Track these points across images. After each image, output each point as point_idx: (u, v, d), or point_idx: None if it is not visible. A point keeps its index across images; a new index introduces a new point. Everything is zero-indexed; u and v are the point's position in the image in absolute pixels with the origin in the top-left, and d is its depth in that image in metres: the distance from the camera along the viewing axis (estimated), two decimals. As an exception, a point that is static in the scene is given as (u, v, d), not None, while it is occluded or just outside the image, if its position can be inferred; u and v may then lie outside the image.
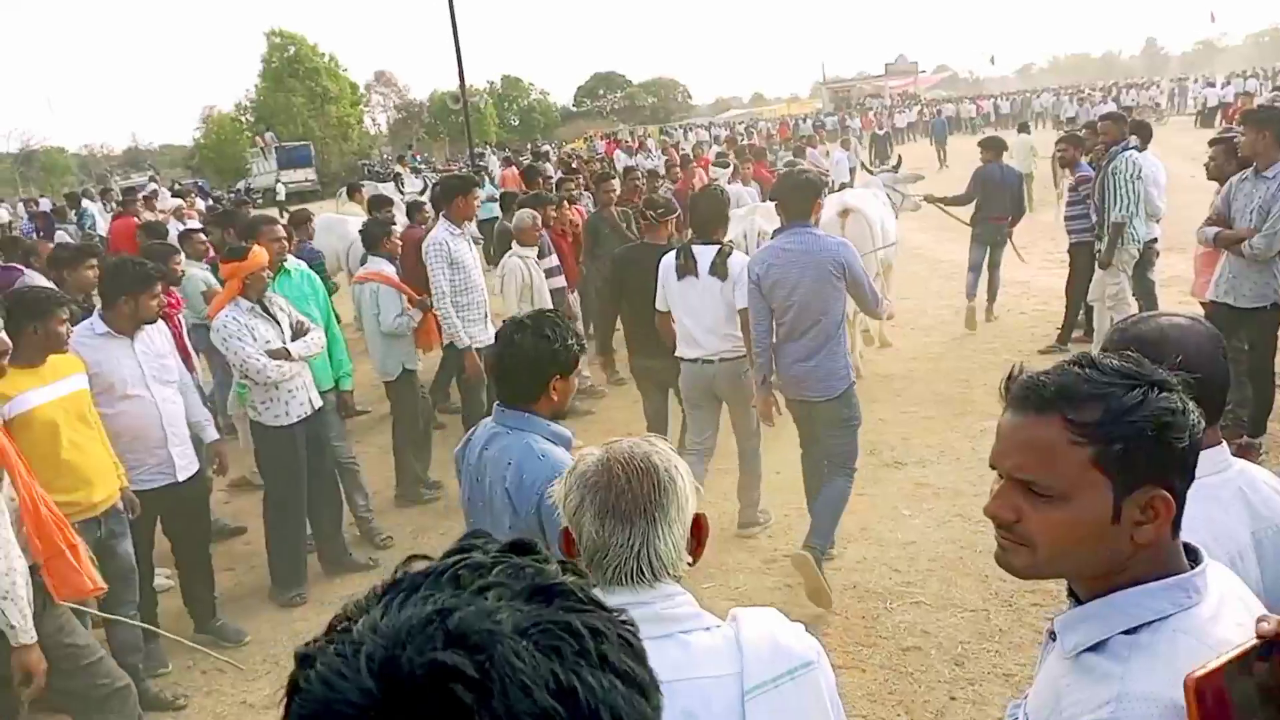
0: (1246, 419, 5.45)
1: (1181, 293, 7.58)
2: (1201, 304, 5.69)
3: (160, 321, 4.40)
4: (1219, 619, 1.17)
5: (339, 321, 7.88)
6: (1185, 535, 1.24)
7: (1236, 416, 5.37)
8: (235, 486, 6.52)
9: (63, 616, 3.27)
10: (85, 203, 17.85)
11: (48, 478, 3.43)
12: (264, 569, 5.15)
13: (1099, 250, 7.03)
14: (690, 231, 5.51)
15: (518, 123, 66.66)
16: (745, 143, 21.00)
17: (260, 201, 32.10)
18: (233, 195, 32.67)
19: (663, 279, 5.00)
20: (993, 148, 9.06)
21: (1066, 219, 8.01)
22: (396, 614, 0.58)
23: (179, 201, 16.05)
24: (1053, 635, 1.32)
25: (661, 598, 1.46)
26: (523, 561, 0.64)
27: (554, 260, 7.34)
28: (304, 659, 0.59)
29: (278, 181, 37.32)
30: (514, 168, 18.88)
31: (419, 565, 0.65)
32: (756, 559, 4.94)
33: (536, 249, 6.72)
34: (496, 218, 9.36)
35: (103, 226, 15.42)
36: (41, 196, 33.01)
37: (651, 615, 1.42)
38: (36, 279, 5.85)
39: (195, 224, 10.55)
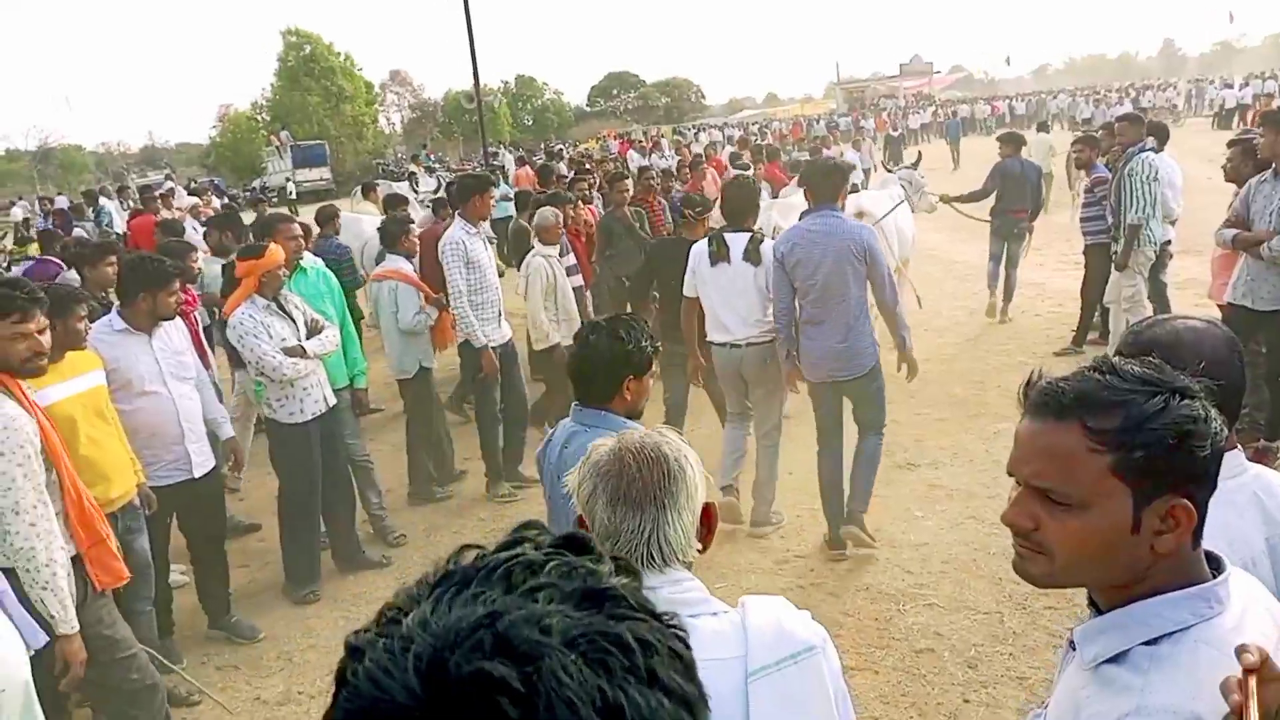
0: (1263, 422, 5.41)
1: (1198, 295, 7.53)
2: (1219, 306, 5.65)
3: (177, 318, 4.43)
4: (1242, 629, 1.15)
5: (361, 318, 7.95)
6: None
7: (1253, 420, 5.33)
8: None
9: (103, 608, 3.31)
10: (103, 200, 17.98)
11: (65, 473, 3.46)
12: (278, 566, 5.18)
13: (1115, 252, 6.99)
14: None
15: (531, 122, 66.77)
16: (759, 142, 20.96)
17: (275, 200, 32.24)
18: (248, 194, 32.86)
19: (693, 265, 5.13)
20: (1012, 142, 9.17)
21: (1082, 220, 7.98)
22: (447, 611, 0.58)
23: (195, 200, 16.15)
24: (1072, 645, 1.30)
25: (670, 583, 1.51)
26: (576, 561, 0.63)
27: (571, 259, 7.36)
28: (354, 650, 0.59)
29: (288, 180, 37.47)
30: (528, 167, 18.94)
31: (471, 556, 0.64)
32: (769, 559, 4.94)
33: (558, 248, 6.75)
34: (511, 217, 9.38)
35: (120, 224, 15.53)
36: (59, 194, 33.23)
37: (662, 600, 1.43)
38: (74, 275, 5.91)
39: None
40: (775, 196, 9.07)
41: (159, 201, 12.91)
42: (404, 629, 0.58)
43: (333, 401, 5.04)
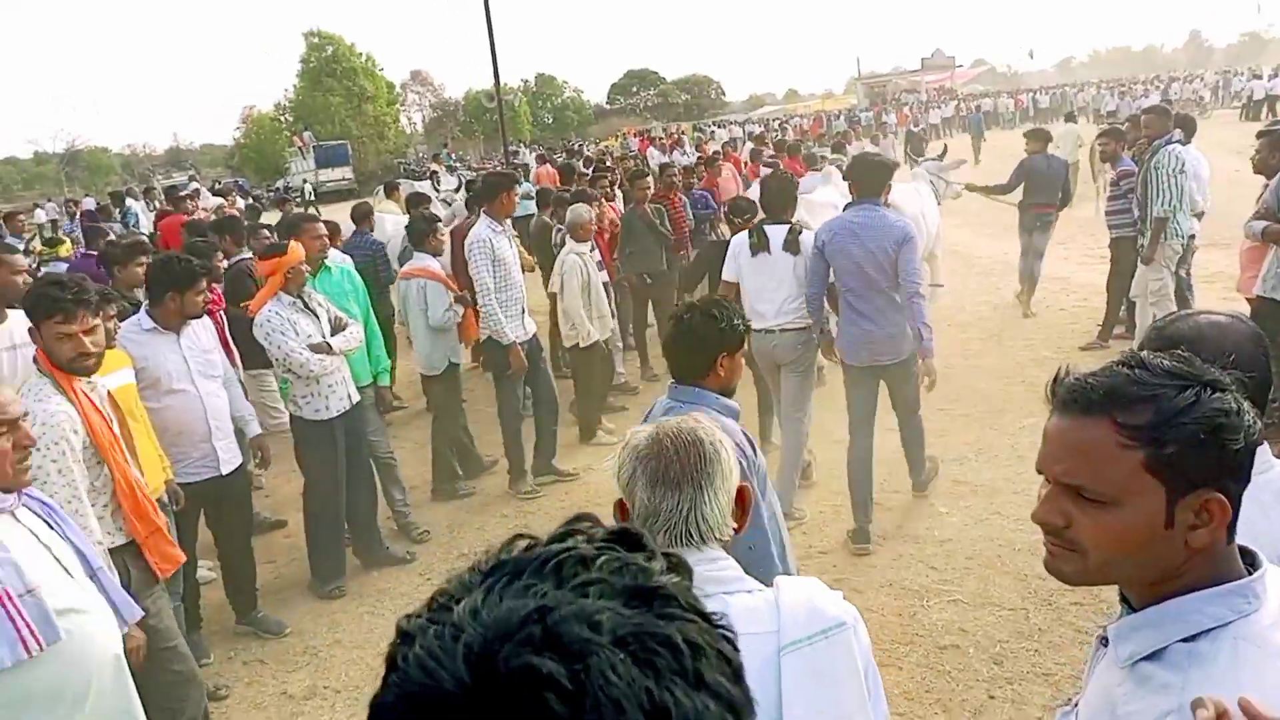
0: (1293, 417, 5.33)
1: (1226, 289, 7.44)
2: (1248, 300, 5.58)
3: (205, 317, 4.48)
4: None
5: (392, 315, 8.00)
6: None
7: (1282, 415, 5.26)
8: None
9: (150, 598, 3.36)
10: (129, 201, 18.18)
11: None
12: (304, 561, 5.23)
13: (1141, 245, 6.92)
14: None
15: (551, 121, 66.91)
16: (779, 138, 20.89)
17: (299, 200, 32.51)
18: (271, 194, 33.13)
19: (734, 253, 5.41)
20: (1038, 139, 9.17)
21: (1108, 214, 7.90)
22: (498, 602, 0.59)
23: (220, 200, 16.29)
24: (1103, 642, 1.29)
25: (706, 560, 1.58)
26: (627, 557, 0.63)
27: (597, 255, 7.40)
28: (405, 635, 0.60)
29: (304, 181, 37.72)
30: (548, 165, 18.97)
31: (523, 546, 0.65)
32: (791, 556, 4.92)
33: (590, 244, 6.79)
34: (532, 215, 9.41)
35: (146, 225, 15.68)
36: (86, 196, 33.64)
37: (700, 576, 1.47)
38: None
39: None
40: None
41: (189, 201, 13.03)
42: (455, 617, 0.59)
43: (357, 399, 5.08)
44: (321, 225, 5.72)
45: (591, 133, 59.16)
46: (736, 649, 0.63)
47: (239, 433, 4.67)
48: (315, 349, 4.79)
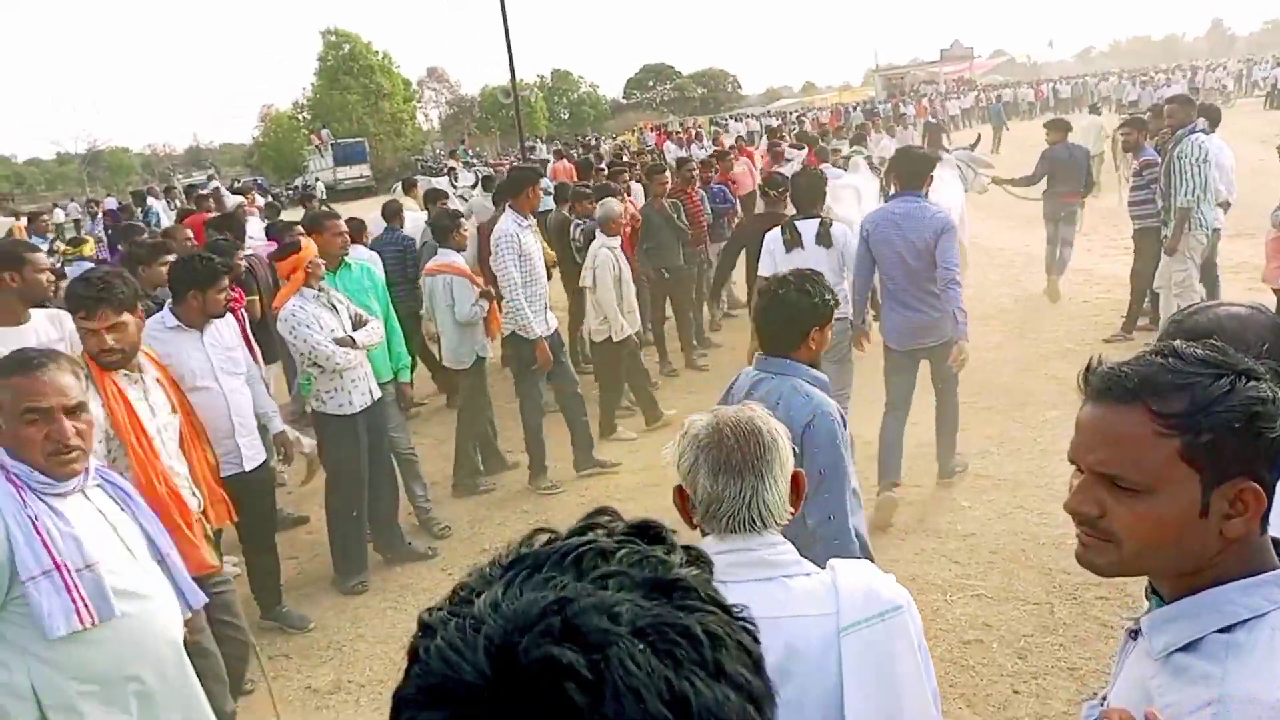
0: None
1: (1252, 279, 7.35)
2: (1274, 290, 5.52)
3: (228, 314, 4.51)
4: None
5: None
6: None
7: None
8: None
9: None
10: (150, 201, 18.35)
11: (121, 467, 3.55)
12: (326, 557, 5.26)
13: (1165, 236, 6.85)
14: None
15: (568, 116, 66.86)
16: (798, 131, 20.81)
17: (318, 199, 32.65)
18: (290, 192, 33.29)
19: (770, 249, 5.61)
20: (1059, 128, 9.32)
21: (1131, 204, 7.82)
22: (518, 594, 0.59)
23: (240, 199, 16.40)
24: (1133, 635, 1.28)
25: (767, 545, 1.65)
26: (647, 550, 0.63)
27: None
28: (426, 628, 0.60)
29: (316, 180, 37.89)
30: (565, 160, 18.97)
31: (543, 540, 0.65)
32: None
33: (619, 239, 6.82)
34: (550, 210, 9.42)
35: (167, 224, 15.81)
36: (107, 195, 33.94)
37: (758, 560, 1.64)
38: None
39: (256, 220, 10.80)
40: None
41: (210, 200, 13.15)
42: (475, 609, 0.59)
43: (378, 395, 5.10)
44: (342, 222, 5.75)
45: (608, 128, 59.08)
46: (757, 640, 0.63)
47: (262, 429, 4.70)
48: (340, 343, 4.82)
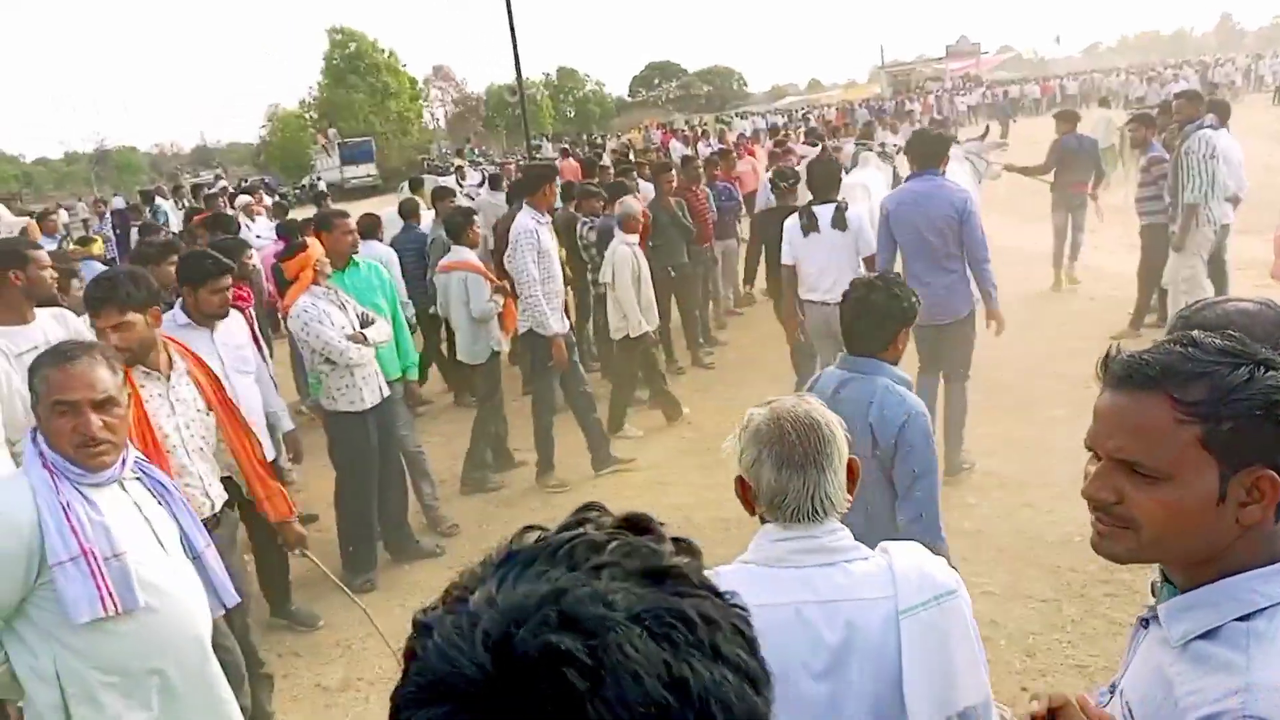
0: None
1: (1260, 276, 7.32)
2: (1283, 287, 5.49)
3: (237, 312, 4.53)
4: None
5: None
6: None
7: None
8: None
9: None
10: (158, 200, 18.41)
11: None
12: (335, 555, 5.27)
13: (1173, 232, 6.83)
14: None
15: (573, 114, 66.84)
16: (807, 127, 20.79)
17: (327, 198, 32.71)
18: (298, 191, 33.34)
19: (788, 236, 5.85)
20: (1068, 119, 9.55)
21: (1138, 200, 7.81)
22: (512, 589, 0.60)
23: (247, 198, 16.44)
24: (1144, 623, 1.30)
25: (828, 532, 1.73)
26: (637, 541, 0.64)
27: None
28: (423, 627, 0.61)
29: (318, 179, 37.93)
30: (571, 159, 19.00)
31: (532, 537, 0.65)
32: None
33: (638, 237, 6.87)
34: (557, 208, 9.43)
35: (175, 223, 15.86)
36: (115, 195, 34.02)
37: (820, 546, 1.72)
38: None
39: (263, 220, 10.85)
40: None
41: (223, 200, 13.21)
42: (471, 606, 0.60)
43: (387, 392, 5.12)
44: (351, 221, 5.79)
45: (614, 126, 59.06)
46: (750, 624, 0.64)
47: (271, 428, 4.72)
48: (351, 339, 4.86)
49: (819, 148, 12.65)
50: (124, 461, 2.53)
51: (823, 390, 2.91)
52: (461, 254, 6.30)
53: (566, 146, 28.50)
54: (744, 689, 0.59)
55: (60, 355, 2.45)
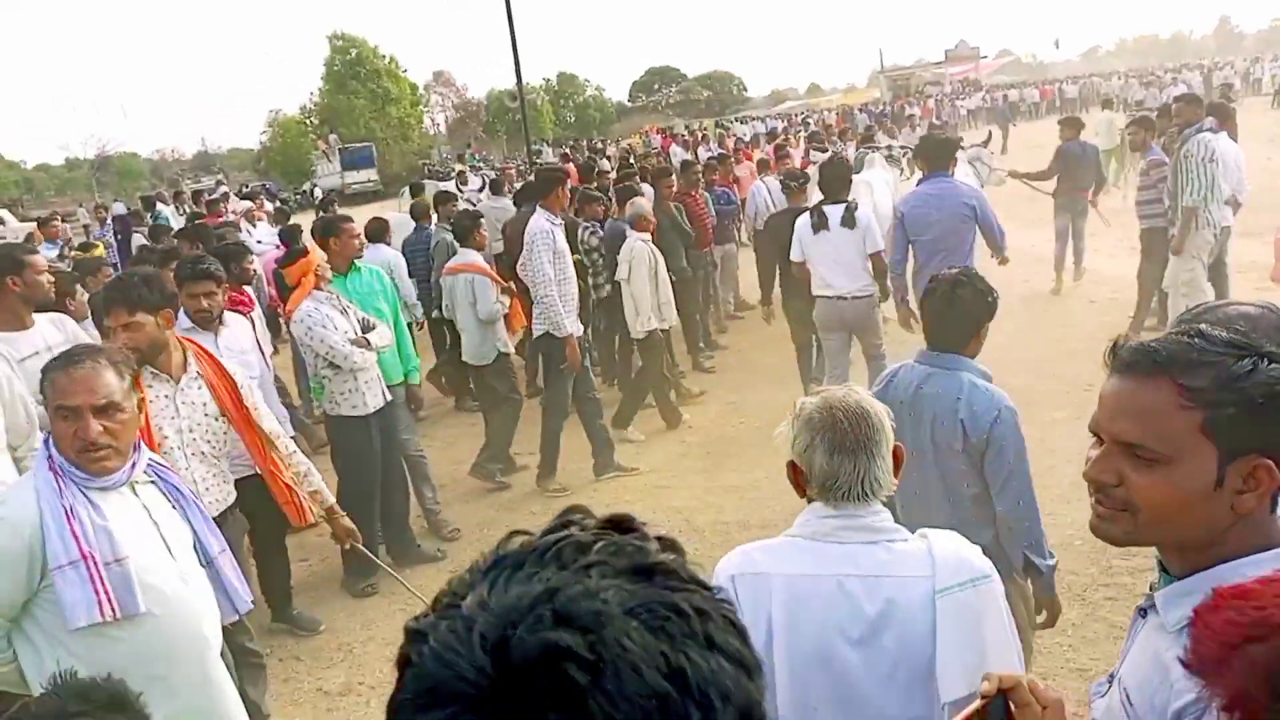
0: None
1: (1260, 278, 7.33)
2: (1283, 290, 5.50)
3: (241, 318, 4.55)
4: None
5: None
6: None
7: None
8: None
9: None
10: (159, 206, 18.43)
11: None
12: (336, 559, 5.28)
13: (1173, 235, 6.85)
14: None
15: (573, 119, 66.91)
16: (809, 132, 20.82)
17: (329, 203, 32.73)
18: (299, 197, 33.35)
19: (799, 235, 6.13)
20: (1072, 125, 9.67)
21: (1138, 204, 7.83)
22: (504, 591, 0.60)
23: (249, 204, 16.47)
24: (1143, 612, 1.32)
25: (873, 513, 1.83)
26: (623, 540, 0.64)
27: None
28: (416, 634, 0.61)
29: (314, 185, 37.99)
30: (570, 163, 19.02)
31: (519, 541, 0.66)
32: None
33: (650, 236, 6.97)
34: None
35: (176, 228, 15.89)
36: (116, 201, 34.04)
37: (864, 525, 1.82)
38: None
39: (265, 225, 10.87)
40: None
41: (221, 205, 13.25)
42: (464, 610, 0.60)
43: (389, 397, 5.13)
44: (357, 225, 5.81)
45: (614, 131, 59.13)
46: (739, 616, 0.65)
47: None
48: (354, 343, 4.87)
49: (828, 153, 12.76)
50: (134, 465, 2.53)
51: (904, 385, 2.97)
52: (468, 256, 6.37)
53: (566, 151, 28.54)
54: (740, 677, 0.60)
55: (66, 359, 2.46)
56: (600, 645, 0.55)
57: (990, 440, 2.81)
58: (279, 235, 9.17)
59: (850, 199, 6.12)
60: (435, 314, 7.63)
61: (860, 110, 39.53)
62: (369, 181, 41.54)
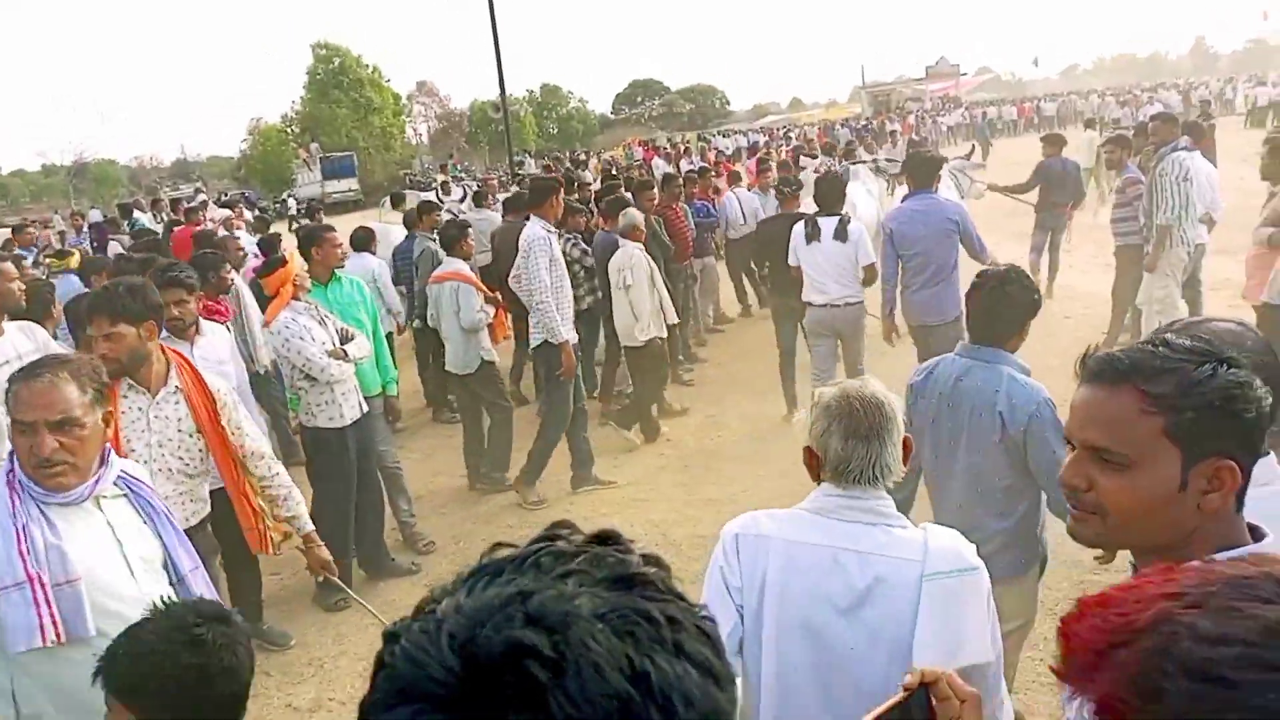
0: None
1: (1233, 296, 7.42)
2: (1254, 307, 5.56)
3: (220, 327, 4.50)
4: None
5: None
6: None
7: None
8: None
9: None
10: (137, 213, 18.29)
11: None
12: (308, 573, 5.22)
13: (1147, 253, 6.91)
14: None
15: (556, 131, 67.01)
16: (794, 145, 20.96)
17: (308, 213, 32.62)
18: (278, 205, 33.15)
19: (794, 243, 6.46)
20: (1054, 143, 9.87)
21: (1113, 221, 7.91)
22: (480, 595, 0.60)
23: (227, 212, 16.36)
24: None
25: (878, 498, 1.94)
26: (605, 551, 0.65)
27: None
28: (391, 636, 0.62)
29: (289, 196, 37.91)
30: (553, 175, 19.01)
31: (503, 552, 0.66)
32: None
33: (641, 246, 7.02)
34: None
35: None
36: (92, 208, 33.75)
37: (868, 508, 1.93)
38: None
39: (242, 234, 10.79)
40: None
41: (200, 213, 13.16)
42: (438, 613, 0.60)
43: (365, 408, 5.09)
44: (339, 235, 5.78)
45: (597, 143, 59.24)
46: (716, 628, 0.64)
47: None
48: (331, 355, 4.84)
49: (817, 159, 12.98)
50: (98, 480, 2.44)
51: (944, 377, 3.03)
52: (454, 264, 6.37)
53: (549, 163, 28.56)
54: (707, 685, 0.59)
55: (28, 372, 2.38)
56: (564, 645, 0.55)
57: (1029, 433, 2.86)
58: (258, 244, 9.11)
59: (844, 212, 6.42)
60: (417, 323, 7.60)
61: (841, 125, 39.77)
62: (350, 191, 41.37)
